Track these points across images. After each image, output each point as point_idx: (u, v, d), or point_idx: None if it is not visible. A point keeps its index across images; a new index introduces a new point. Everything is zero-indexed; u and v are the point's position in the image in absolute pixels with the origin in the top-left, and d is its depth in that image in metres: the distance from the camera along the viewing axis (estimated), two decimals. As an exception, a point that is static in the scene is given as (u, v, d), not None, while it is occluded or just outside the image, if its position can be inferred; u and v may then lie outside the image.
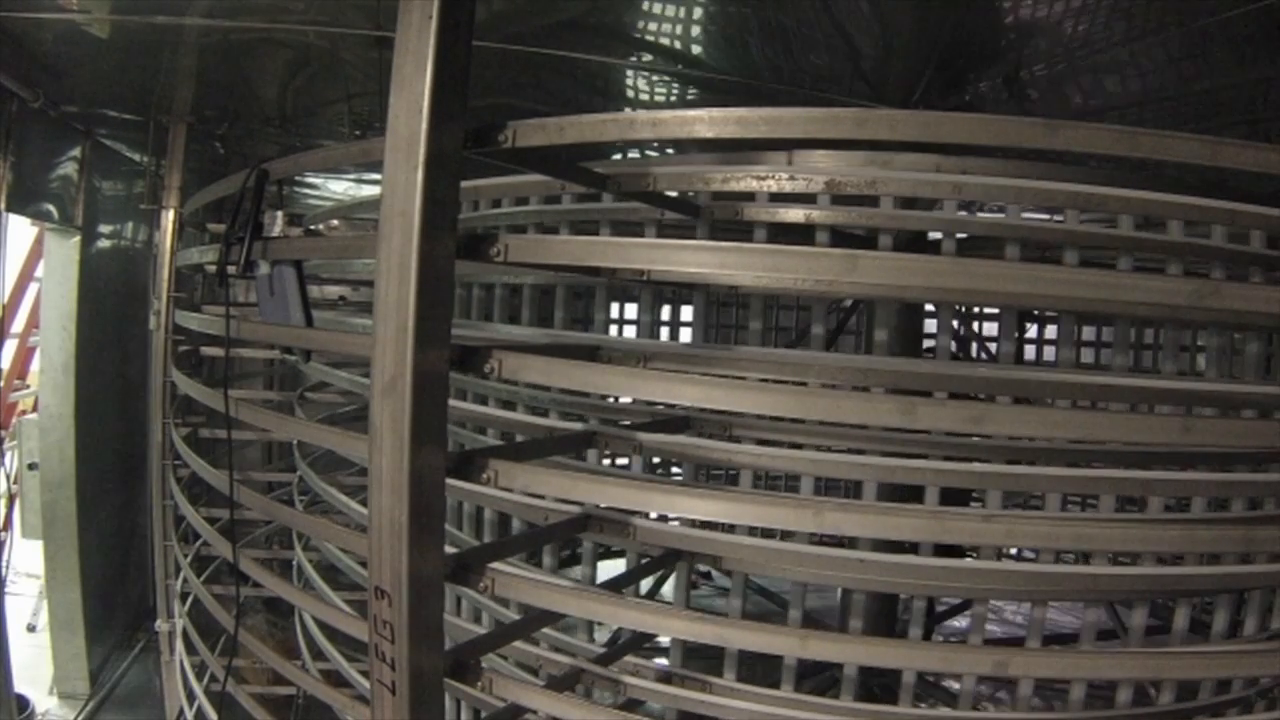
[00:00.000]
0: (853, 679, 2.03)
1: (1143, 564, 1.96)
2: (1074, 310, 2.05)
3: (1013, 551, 3.17)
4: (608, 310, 2.61)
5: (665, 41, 3.32)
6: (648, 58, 3.50)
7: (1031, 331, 5.59)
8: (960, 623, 4.56)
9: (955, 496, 2.04)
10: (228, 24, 3.26)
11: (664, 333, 5.57)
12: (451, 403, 1.67)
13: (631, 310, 6.06)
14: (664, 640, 2.68)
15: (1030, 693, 1.91)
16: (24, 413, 7.24)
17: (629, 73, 3.70)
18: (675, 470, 4.13)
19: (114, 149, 5.51)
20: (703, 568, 2.38)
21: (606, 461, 2.68)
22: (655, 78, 3.75)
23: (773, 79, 3.55)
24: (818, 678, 2.92)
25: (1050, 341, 4.97)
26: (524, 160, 1.74)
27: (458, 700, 2.43)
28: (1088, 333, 4.90)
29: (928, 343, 3.61)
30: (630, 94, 4.00)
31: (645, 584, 3.41)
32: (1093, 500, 2.32)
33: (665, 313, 6.07)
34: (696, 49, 3.42)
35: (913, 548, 2.17)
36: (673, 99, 3.95)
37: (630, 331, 5.62)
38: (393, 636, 1.40)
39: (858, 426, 1.94)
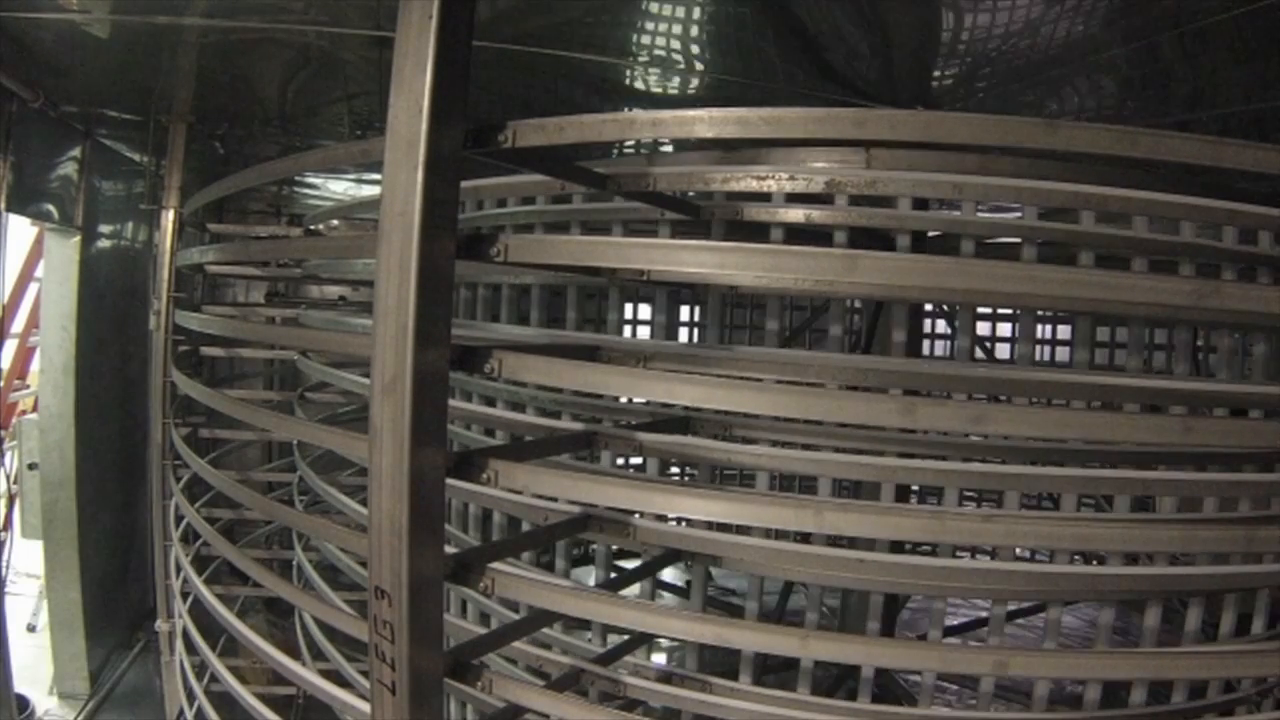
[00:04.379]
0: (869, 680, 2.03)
1: (1149, 565, 1.96)
2: (1074, 310, 2.05)
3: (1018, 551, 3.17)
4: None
5: (667, 42, 3.32)
6: (650, 58, 3.49)
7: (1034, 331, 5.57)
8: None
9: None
10: (228, 24, 3.26)
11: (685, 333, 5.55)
12: (452, 403, 1.68)
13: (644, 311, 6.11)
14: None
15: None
16: (24, 413, 7.23)
17: (630, 73, 3.70)
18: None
19: (114, 149, 5.51)
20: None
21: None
22: (657, 78, 3.75)
23: (774, 80, 3.55)
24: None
25: (1062, 342, 4.98)
26: (524, 160, 1.74)
27: (463, 703, 2.44)
28: (1096, 333, 4.91)
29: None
30: (632, 95, 4.00)
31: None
32: (1085, 500, 2.31)
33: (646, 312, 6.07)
34: (697, 49, 3.42)
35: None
36: (674, 95, 3.96)
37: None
38: (393, 636, 1.40)
39: (858, 426, 1.94)
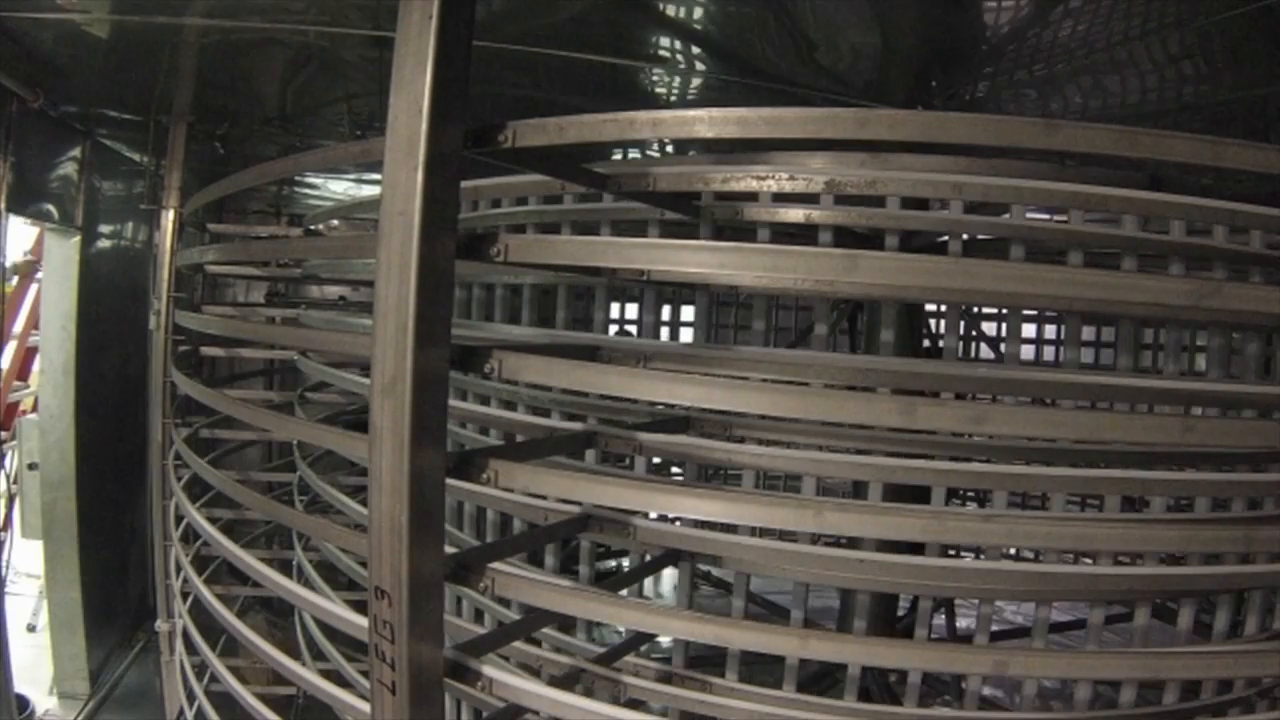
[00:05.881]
0: (855, 679, 2.02)
1: (1143, 564, 1.96)
2: (1074, 310, 2.05)
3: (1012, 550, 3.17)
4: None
5: (668, 42, 3.32)
6: (650, 58, 3.50)
7: (1031, 331, 5.60)
8: (962, 622, 4.55)
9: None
10: (228, 24, 3.26)
11: (676, 333, 5.56)
12: (452, 403, 1.67)
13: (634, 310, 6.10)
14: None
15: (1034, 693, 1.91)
16: (24, 413, 7.23)
17: (630, 73, 3.70)
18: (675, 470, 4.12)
19: (114, 149, 5.51)
20: (703, 567, 2.38)
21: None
22: (658, 78, 3.75)
23: (775, 79, 3.55)
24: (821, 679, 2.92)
25: (1051, 341, 4.97)
26: (524, 160, 1.74)
27: (458, 700, 2.43)
28: (1088, 332, 4.91)
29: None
30: (632, 96, 4.01)
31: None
32: (1093, 500, 2.31)
33: (666, 313, 6.09)
34: (699, 49, 3.42)
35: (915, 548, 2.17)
36: (674, 99, 3.96)
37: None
38: (393, 636, 1.40)
39: (858, 426, 1.94)
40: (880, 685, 3.31)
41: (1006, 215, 2.01)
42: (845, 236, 2.37)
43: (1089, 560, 2.79)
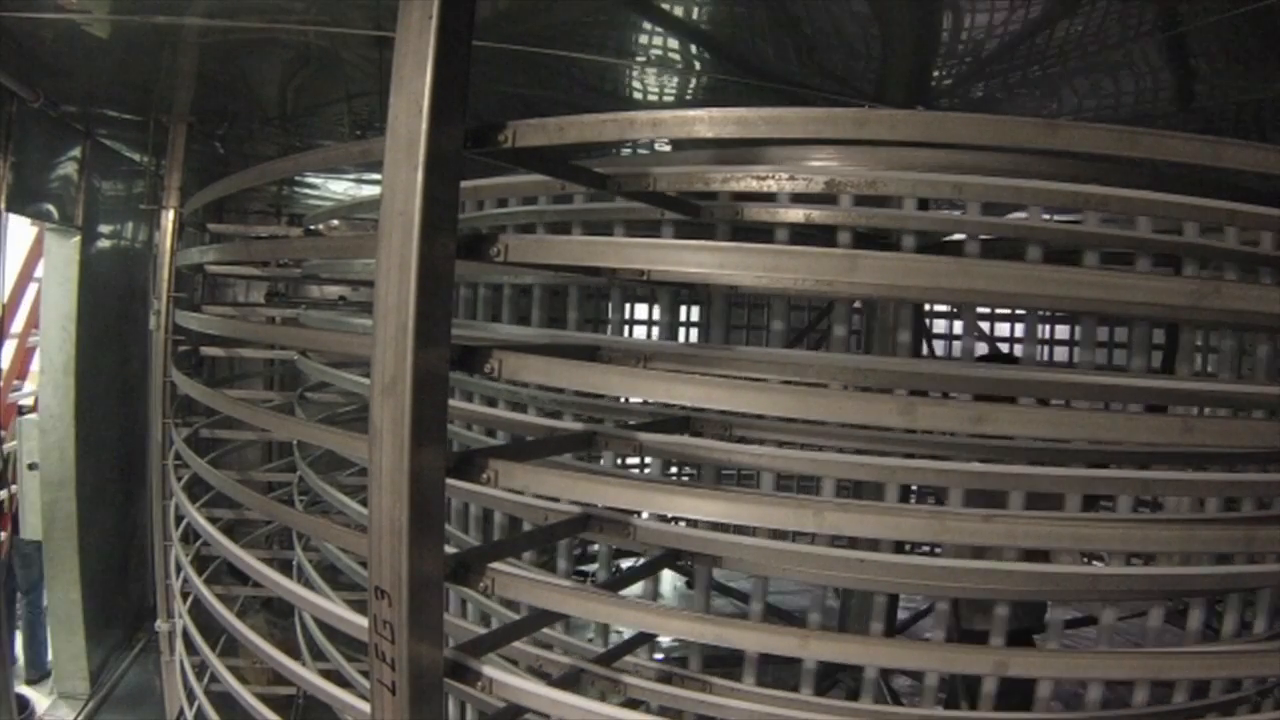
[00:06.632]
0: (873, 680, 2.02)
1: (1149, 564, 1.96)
2: (1074, 310, 2.05)
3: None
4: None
5: (667, 41, 3.32)
6: (651, 56, 3.49)
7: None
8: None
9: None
10: (228, 24, 3.26)
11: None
12: (451, 403, 1.68)
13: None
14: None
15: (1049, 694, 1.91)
16: (24, 412, 7.23)
17: (630, 73, 3.70)
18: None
19: (114, 149, 5.51)
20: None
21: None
22: (657, 78, 3.75)
23: (775, 79, 3.55)
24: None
25: (1058, 342, 4.98)
26: (524, 160, 1.74)
27: (461, 702, 2.43)
28: (1099, 332, 4.92)
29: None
30: (631, 94, 4.01)
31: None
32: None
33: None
34: (698, 49, 3.42)
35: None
36: (672, 99, 3.96)
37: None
38: (393, 636, 1.40)
39: (858, 427, 1.94)
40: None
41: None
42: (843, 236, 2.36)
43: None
